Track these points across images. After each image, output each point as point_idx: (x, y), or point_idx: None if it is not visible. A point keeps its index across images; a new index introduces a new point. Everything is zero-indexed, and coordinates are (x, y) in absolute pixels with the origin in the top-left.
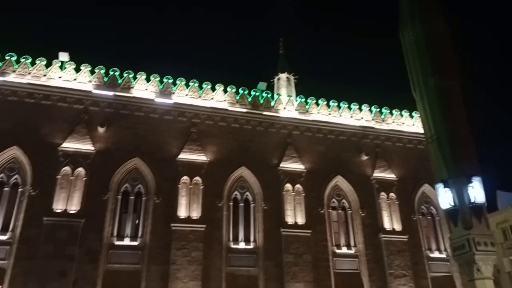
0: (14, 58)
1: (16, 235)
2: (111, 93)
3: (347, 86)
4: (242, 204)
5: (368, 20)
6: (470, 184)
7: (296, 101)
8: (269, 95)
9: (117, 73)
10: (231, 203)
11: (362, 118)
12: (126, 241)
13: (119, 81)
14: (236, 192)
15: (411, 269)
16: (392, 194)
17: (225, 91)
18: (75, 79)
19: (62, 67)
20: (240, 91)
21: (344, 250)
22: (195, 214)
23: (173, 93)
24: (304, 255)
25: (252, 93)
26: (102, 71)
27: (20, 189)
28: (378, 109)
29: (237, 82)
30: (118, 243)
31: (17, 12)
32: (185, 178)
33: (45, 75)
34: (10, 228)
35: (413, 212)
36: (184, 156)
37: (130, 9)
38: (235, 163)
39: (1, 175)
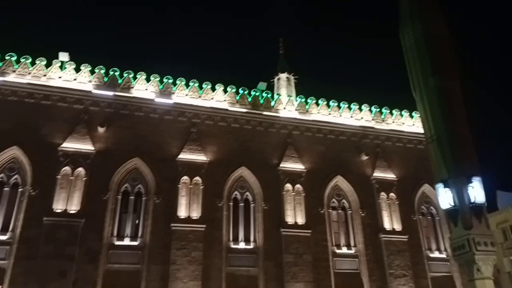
0: (14, 58)
1: (16, 235)
2: (111, 93)
3: (347, 86)
4: (242, 204)
5: (368, 20)
6: (470, 184)
7: (296, 101)
8: (269, 95)
9: (117, 73)
10: (231, 203)
11: (362, 118)
12: (126, 241)
13: (119, 81)
14: (236, 192)
15: (411, 269)
16: (392, 194)
17: (225, 91)
18: (75, 79)
19: (62, 67)
20: (240, 91)
21: (344, 250)
22: (195, 214)
23: (173, 93)
24: (304, 255)
25: (252, 93)
26: (102, 71)
27: (20, 189)
28: (378, 109)
29: (237, 82)
30: (118, 243)
31: (17, 12)
32: (185, 178)
33: (45, 75)
34: (10, 228)
35: (413, 212)
36: (184, 156)
37: (130, 9)
38: (235, 163)
39: (1, 175)
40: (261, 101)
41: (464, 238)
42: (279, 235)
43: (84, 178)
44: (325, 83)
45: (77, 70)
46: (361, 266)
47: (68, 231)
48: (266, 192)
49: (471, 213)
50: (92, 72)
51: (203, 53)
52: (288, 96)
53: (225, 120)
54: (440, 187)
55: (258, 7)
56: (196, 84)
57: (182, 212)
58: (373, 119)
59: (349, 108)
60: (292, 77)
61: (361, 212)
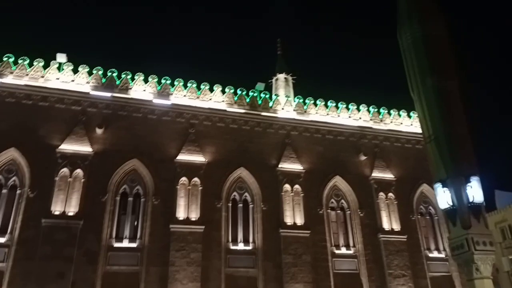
0: (11, 60)
1: (15, 237)
2: (109, 94)
3: (345, 86)
4: (240, 205)
5: (367, 20)
6: (469, 184)
7: (294, 101)
8: (267, 96)
9: (115, 74)
10: (230, 204)
11: (360, 118)
12: (125, 243)
13: (117, 82)
14: (234, 193)
15: (410, 269)
16: (390, 194)
17: (223, 91)
18: (73, 81)
19: (60, 68)
20: (238, 91)
21: (343, 250)
22: (194, 215)
23: (171, 94)
24: (303, 255)
25: (250, 93)
26: (100, 72)
27: (18, 191)
28: (376, 109)
29: (235, 82)
30: (116, 245)
31: (15, 13)
32: (183, 179)
33: (42, 77)
34: (8, 230)
35: (412, 212)
36: (183, 157)
37: (130, 9)
38: (233, 163)
39: None
40: (259, 102)
41: (463, 238)
42: (278, 235)
43: (82, 180)
44: (323, 83)
45: (75, 71)
46: (360, 266)
47: (66, 233)
48: (264, 192)
49: (470, 212)
50: (90, 73)
51: (202, 53)
52: (286, 96)
53: (223, 121)
54: (438, 187)
55: (258, 7)
56: (194, 85)
57: (180, 213)
58: (371, 119)
59: (347, 108)
60: (290, 78)
61: (359, 212)
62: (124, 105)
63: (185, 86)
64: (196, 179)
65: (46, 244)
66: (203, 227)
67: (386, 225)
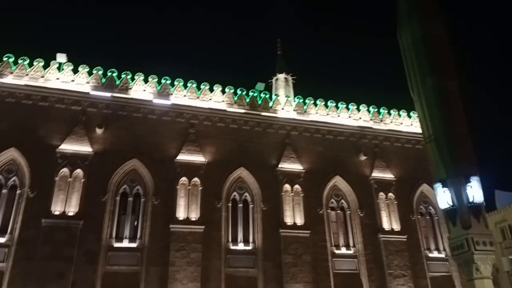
0: (11, 60)
1: (14, 237)
2: (109, 94)
3: (345, 86)
4: (240, 205)
5: (367, 20)
6: (469, 184)
7: (294, 101)
8: (267, 96)
9: (115, 74)
10: (230, 204)
11: (360, 118)
12: (125, 243)
13: (117, 82)
14: (234, 193)
15: (410, 269)
16: (390, 194)
17: (223, 91)
18: (72, 81)
19: (60, 68)
20: (238, 91)
21: (343, 250)
22: (194, 215)
23: (171, 94)
24: (303, 255)
25: (250, 93)
26: (100, 72)
27: (18, 191)
28: (376, 109)
29: (235, 82)
30: (116, 245)
31: (15, 13)
32: (183, 179)
33: (42, 77)
34: (8, 230)
35: (412, 212)
36: (183, 157)
37: (130, 9)
38: (233, 164)
39: None
40: (259, 102)
41: (463, 238)
42: (278, 235)
43: (82, 180)
44: (323, 83)
45: (75, 71)
46: (360, 266)
47: (66, 233)
48: (264, 192)
49: (470, 212)
50: (90, 73)
51: (202, 53)
52: (286, 96)
53: (223, 121)
54: (438, 187)
55: (258, 7)
56: (194, 85)
57: (180, 213)
58: (371, 119)
59: (347, 108)
60: (290, 78)
61: (359, 212)
62: (124, 105)
63: (185, 86)
64: (196, 179)
65: (46, 244)
66: (203, 227)
67: (386, 225)
